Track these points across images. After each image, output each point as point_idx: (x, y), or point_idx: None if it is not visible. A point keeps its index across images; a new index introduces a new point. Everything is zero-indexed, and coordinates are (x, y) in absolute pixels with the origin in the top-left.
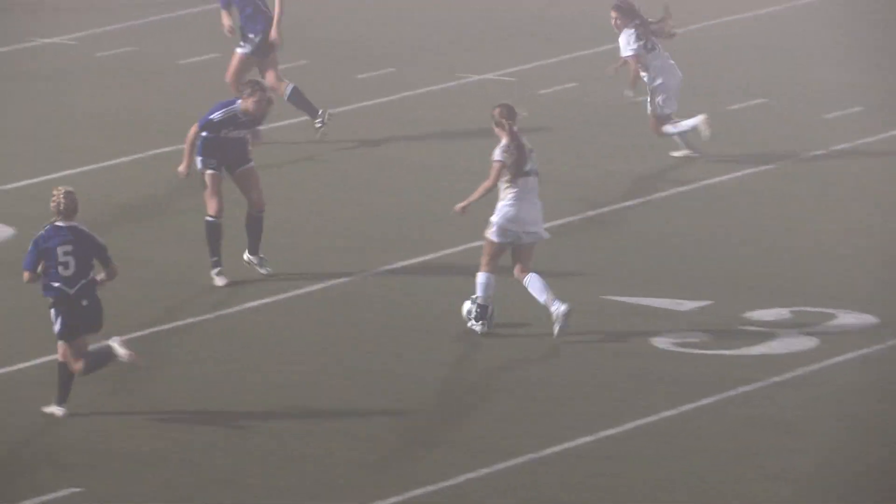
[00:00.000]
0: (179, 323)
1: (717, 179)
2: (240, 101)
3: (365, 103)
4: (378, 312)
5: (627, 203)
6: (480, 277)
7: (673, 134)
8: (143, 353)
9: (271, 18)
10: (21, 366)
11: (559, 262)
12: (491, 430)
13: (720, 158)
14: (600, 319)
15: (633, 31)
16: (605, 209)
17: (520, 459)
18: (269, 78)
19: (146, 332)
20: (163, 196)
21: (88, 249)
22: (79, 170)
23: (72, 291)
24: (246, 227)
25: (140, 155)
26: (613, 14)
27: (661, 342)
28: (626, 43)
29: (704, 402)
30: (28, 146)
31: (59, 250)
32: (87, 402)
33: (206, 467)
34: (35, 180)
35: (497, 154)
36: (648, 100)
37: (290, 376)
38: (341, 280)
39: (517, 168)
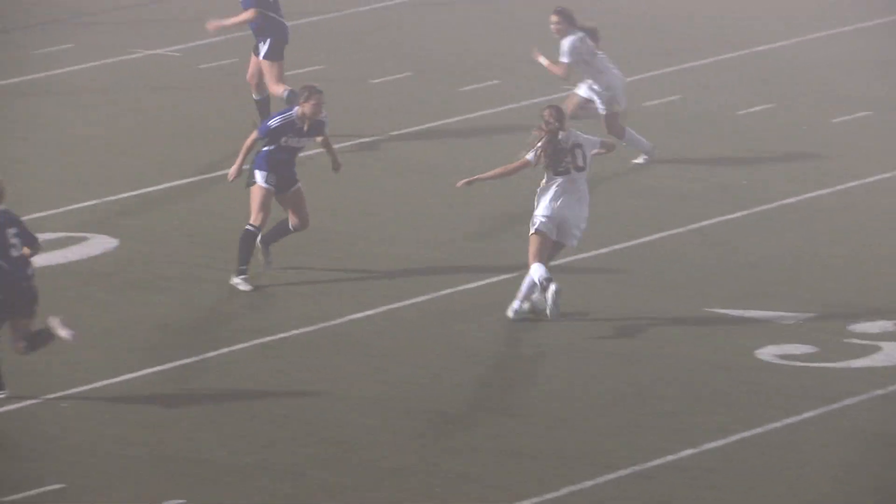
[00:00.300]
0: (272, 338)
1: (820, 193)
2: (297, 107)
3: (468, 115)
4: (471, 324)
5: (731, 216)
6: (532, 268)
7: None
8: (232, 367)
9: (281, 23)
10: (127, 377)
11: (663, 274)
12: (594, 442)
13: (824, 172)
14: (704, 332)
15: (575, 38)
16: (709, 221)
17: (623, 472)
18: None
19: (240, 345)
20: None
21: (25, 231)
22: (184, 181)
23: (16, 272)
24: (276, 226)
25: (245, 167)
26: (555, 18)
27: (764, 354)
28: (563, 52)
29: (808, 414)
30: (132, 158)
31: (9, 232)
32: (182, 413)
33: (309, 478)
34: (139, 192)
35: (530, 154)
36: (598, 103)
37: (385, 389)
38: (440, 293)
39: (552, 166)
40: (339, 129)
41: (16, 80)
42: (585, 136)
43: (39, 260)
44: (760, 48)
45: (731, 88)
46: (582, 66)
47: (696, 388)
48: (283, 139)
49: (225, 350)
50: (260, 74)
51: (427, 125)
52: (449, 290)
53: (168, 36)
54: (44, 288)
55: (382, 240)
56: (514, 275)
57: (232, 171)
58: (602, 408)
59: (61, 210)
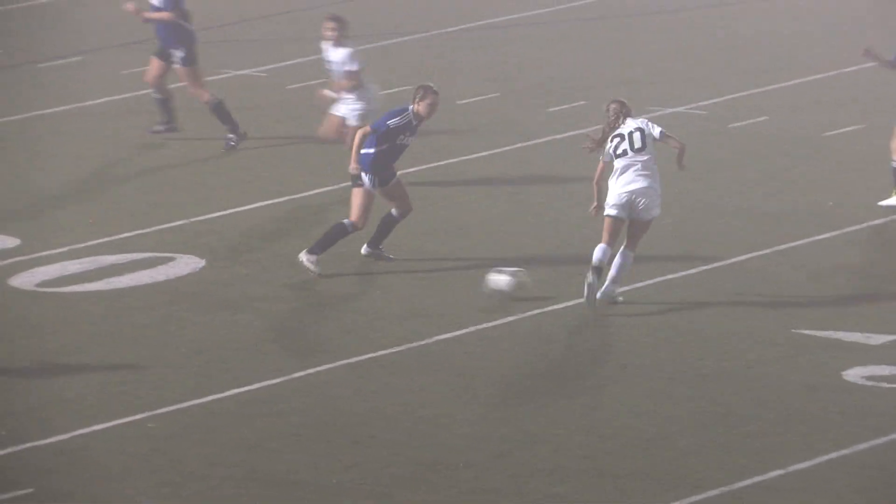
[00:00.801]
0: (359, 358)
1: None
2: (412, 106)
3: (555, 137)
4: (558, 344)
5: (820, 236)
6: (597, 248)
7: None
8: (320, 387)
9: (192, 32)
10: (214, 397)
11: (749, 294)
12: (681, 462)
13: None
14: (791, 352)
15: (353, 49)
16: (798, 242)
17: (711, 493)
18: (193, 88)
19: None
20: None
21: None
22: (271, 201)
23: None
24: (380, 224)
25: (332, 187)
26: (331, 25)
27: (851, 376)
28: (351, 59)
29: (895, 436)
30: (219, 178)
31: None
32: (270, 434)
33: (395, 499)
34: (226, 212)
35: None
36: (351, 111)
37: (472, 409)
38: (528, 313)
39: (613, 151)
40: (428, 150)
41: (102, 100)
42: (650, 121)
43: (127, 280)
44: (849, 69)
45: (819, 109)
46: (348, 76)
47: (783, 409)
48: (400, 138)
49: (312, 370)
50: (161, 76)
51: (516, 145)
52: (537, 311)
53: (256, 56)
54: (131, 308)
55: (471, 260)
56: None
57: (352, 167)
58: (689, 428)
59: (150, 230)
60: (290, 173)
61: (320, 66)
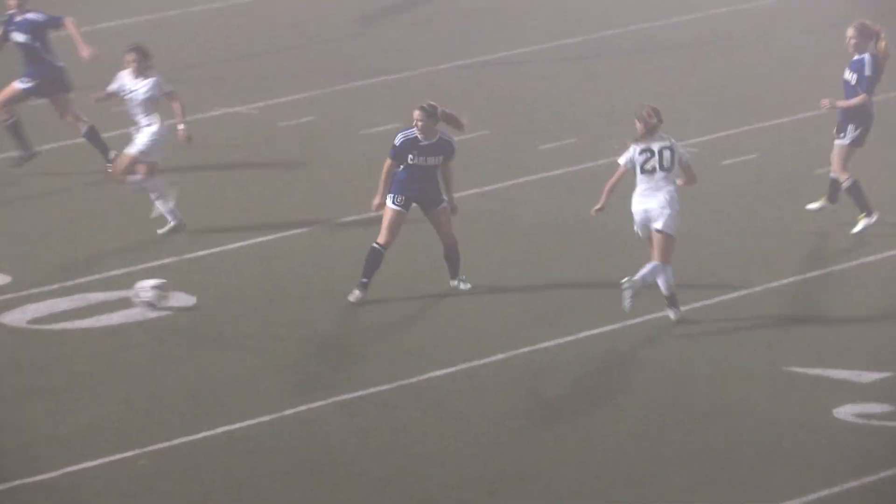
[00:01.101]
0: (350, 395)
1: None
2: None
3: (547, 174)
4: (549, 382)
5: (809, 274)
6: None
7: (138, 185)
8: (310, 424)
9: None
10: (205, 434)
11: (739, 331)
12: (674, 498)
13: None
14: (781, 390)
15: (158, 77)
16: (787, 280)
17: None
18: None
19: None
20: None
21: None
22: (262, 239)
23: None
24: (444, 258)
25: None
26: (132, 56)
27: (842, 413)
28: (158, 87)
29: (886, 473)
30: (210, 215)
31: None
32: (261, 471)
33: None
34: (217, 249)
35: (622, 158)
36: (141, 142)
37: (469, 447)
38: (520, 350)
39: (640, 163)
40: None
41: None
42: (679, 144)
43: (118, 318)
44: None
45: (809, 146)
46: (150, 105)
47: (773, 446)
48: (410, 157)
49: (303, 408)
50: (10, 99)
51: (506, 182)
52: (528, 349)
53: (246, 94)
54: (122, 345)
55: (462, 297)
56: (593, 332)
57: (376, 201)
58: (682, 465)
59: (140, 268)
60: (281, 211)
61: (313, 104)
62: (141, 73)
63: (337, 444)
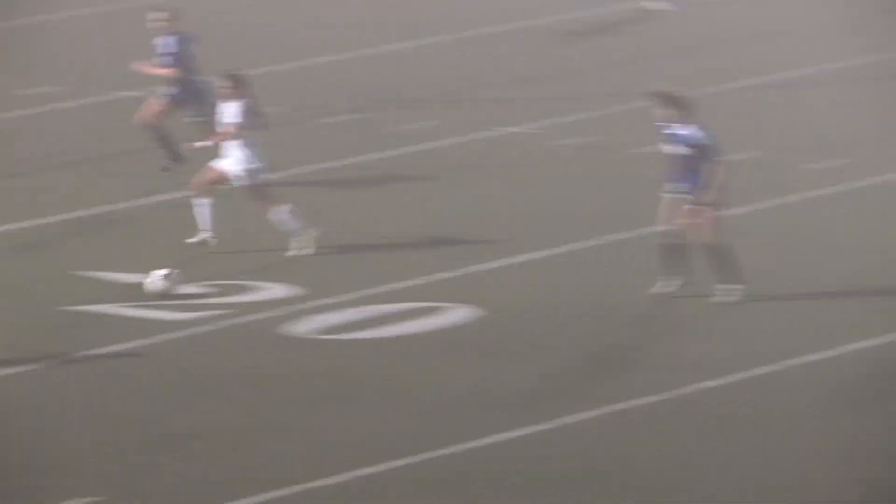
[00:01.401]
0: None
1: None
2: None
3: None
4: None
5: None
6: None
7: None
8: (589, 433)
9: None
10: (454, 449)
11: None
12: None
13: None
14: None
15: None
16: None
17: None
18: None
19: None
20: (623, 281)
21: None
22: (542, 253)
23: None
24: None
25: (595, 241)
26: (227, 83)
27: None
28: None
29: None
30: (489, 230)
31: None
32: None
33: None
34: (497, 264)
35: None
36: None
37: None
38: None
39: None
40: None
41: (376, 156)
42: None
43: (396, 329)
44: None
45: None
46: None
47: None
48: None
49: (583, 416)
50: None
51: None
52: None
53: (527, 114)
54: (405, 354)
55: (737, 306)
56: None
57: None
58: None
59: (420, 281)
60: (556, 227)
61: (596, 124)
62: (233, 97)
63: (616, 452)
